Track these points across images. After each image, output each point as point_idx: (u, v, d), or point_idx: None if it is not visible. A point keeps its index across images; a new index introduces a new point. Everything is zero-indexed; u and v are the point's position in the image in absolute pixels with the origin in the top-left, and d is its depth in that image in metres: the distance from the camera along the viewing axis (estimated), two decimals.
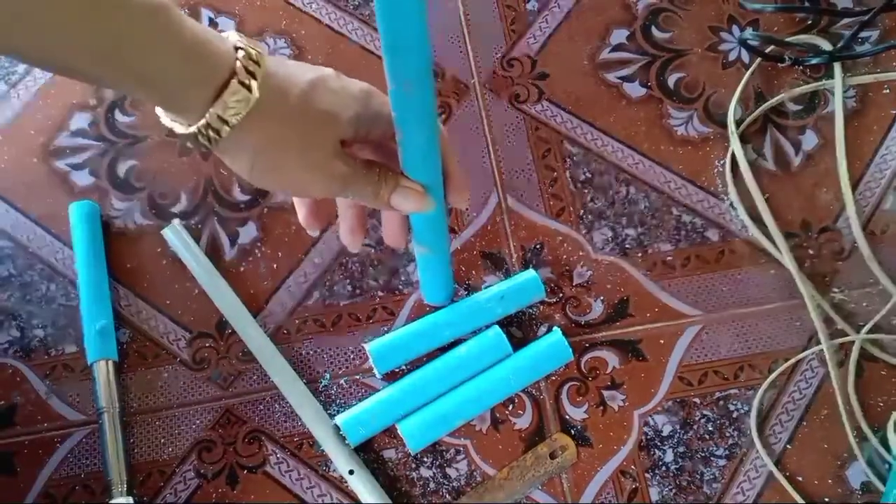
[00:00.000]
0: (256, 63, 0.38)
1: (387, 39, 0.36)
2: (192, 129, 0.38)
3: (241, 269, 0.66)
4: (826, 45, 0.72)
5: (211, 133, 0.38)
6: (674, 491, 0.60)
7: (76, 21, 0.33)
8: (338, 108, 0.42)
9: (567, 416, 0.62)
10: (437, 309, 0.64)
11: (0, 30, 0.33)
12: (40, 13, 0.33)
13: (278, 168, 0.41)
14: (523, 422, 0.62)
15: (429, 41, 0.37)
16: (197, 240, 0.67)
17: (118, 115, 0.71)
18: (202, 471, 0.61)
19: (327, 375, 0.63)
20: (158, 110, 0.40)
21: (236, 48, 0.38)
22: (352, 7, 0.75)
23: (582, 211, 0.68)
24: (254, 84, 0.38)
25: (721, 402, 0.63)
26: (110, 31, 0.34)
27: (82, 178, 0.69)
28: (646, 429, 0.62)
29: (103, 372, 0.62)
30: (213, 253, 0.67)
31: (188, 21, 0.37)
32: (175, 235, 0.66)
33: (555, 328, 0.63)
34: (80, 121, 0.71)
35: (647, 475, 0.61)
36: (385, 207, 0.46)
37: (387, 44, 0.37)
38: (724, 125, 0.70)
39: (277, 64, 0.40)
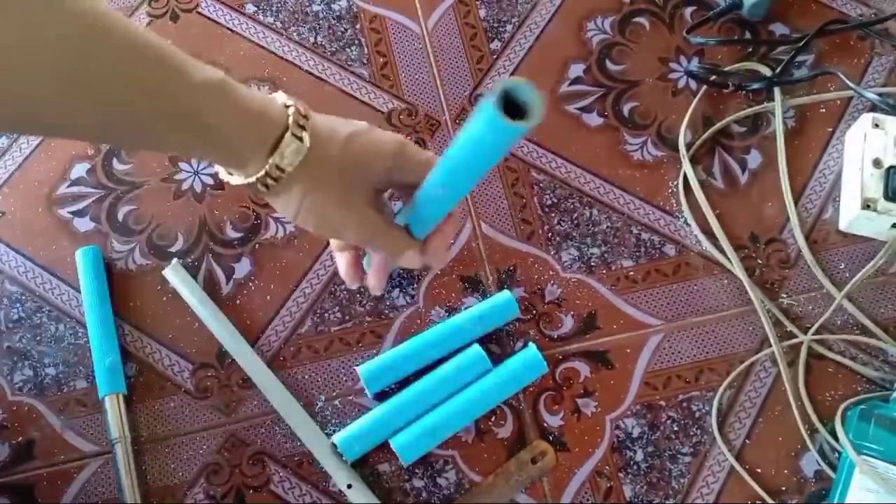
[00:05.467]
0: (305, 117, 0.45)
1: (457, 161, 0.42)
2: (252, 178, 0.45)
3: (238, 301, 0.71)
4: (766, 71, 0.78)
5: (269, 181, 0.44)
6: (645, 488, 0.66)
7: (158, 109, 0.40)
8: (372, 158, 0.47)
9: (545, 424, 0.67)
10: (422, 330, 0.69)
11: (95, 130, 0.40)
12: (130, 108, 0.39)
13: (321, 209, 0.47)
14: (505, 431, 0.67)
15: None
16: (195, 277, 0.71)
17: (115, 164, 0.76)
18: (211, 493, 0.65)
19: (322, 397, 0.68)
20: (217, 167, 0.47)
21: (286, 105, 0.45)
22: (329, 53, 0.80)
23: (550, 233, 0.73)
24: (305, 135, 0.44)
25: (684, 404, 0.68)
26: (182, 109, 0.41)
27: (84, 224, 0.73)
28: (617, 432, 0.67)
29: (114, 405, 0.66)
30: (211, 288, 0.71)
31: (244, 89, 0.44)
32: (175, 274, 0.70)
33: (530, 343, 0.69)
34: (80, 170, 0.75)
35: (620, 475, 0.66)
36: (404, 265, 0.51)
37: (456, 164, 0.42)
38: (675, 148, 0.76)
39: (321, 118, 0.47)
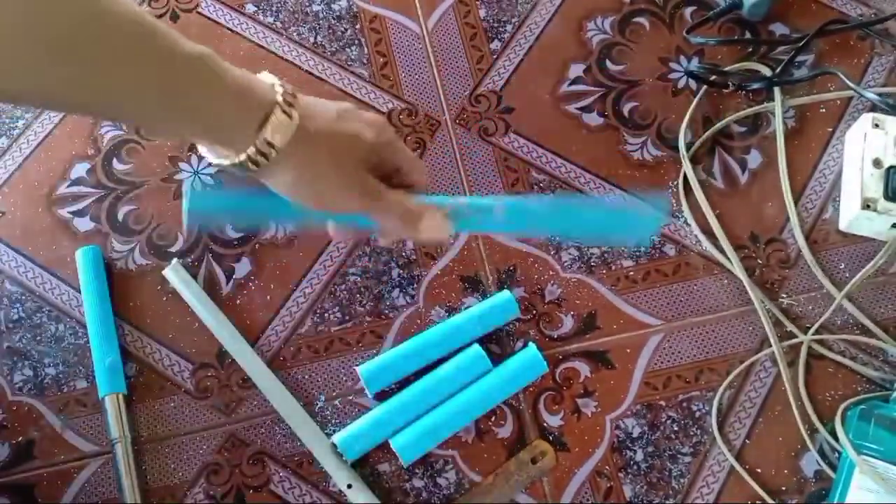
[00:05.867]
0: (293, 96, 0.45)
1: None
2: (242, 156, 0.44)
3: (238, 301, 0.71)
4: (766, 71, 0.78)
5: (260, 158, 0.44)
6: (645, 488, 0.66)
7: (145, 79, 0.40)
8: (359, 130, 0.48)
9: (545, 424, 0.67)
10: (422, 330, 0.69)
11: (83, 98, 0.40)
12: (117, 79, 0.39)
13: (316, 181, 0.47)
14: (505, 431, 0.67)
15: None
16: (195, 277, 0.71)
17: (115, 164, 0.76)
18: (211, 493, 0.65)
19: (322, 397, 0.68)
20: (203, 150, 0.46)
21: (273, 85, 0.45)
22: (329, 53, 0.80)
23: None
24: (294, 113, 0.44)
25: (684, 404, 0.68)
26: (170, 81, 0.41)
27: (84, 224, 0.74)
28: (617, 432, 0.67)
29: (114, 405, 0.66)
30: (211, 288, 0.71)
31: (229, 65, 0.43)
32: (175, 274, 0.70)
33: (530, 343, 0.69)
34: (80, 170, 0.75)
35: (620, 475, 0.66)
36: (410, 234, 0.51)
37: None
38: (675, 149, 0.76)
39: (308, 98, 0.47)
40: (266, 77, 0.46)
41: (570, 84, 0.79)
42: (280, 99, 0.44)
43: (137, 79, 0.40)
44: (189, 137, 0.47)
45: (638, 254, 0.72)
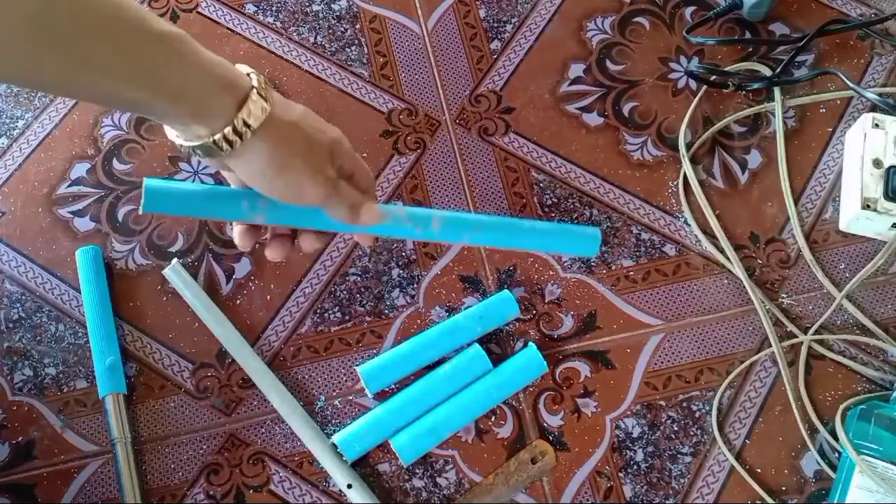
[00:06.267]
0: (266, 87, 0.47)
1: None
2: (218, 135, 0.45)
3: (238, 301, 0.71)
4: (766, 71, 0.78)
5: (235, 137, 0.45)
6: (645, 487, 0.66)
7: (120, 55, 0.41)
8: (325, 128, 0.51)
9: (545, 424, 0.68)
10: (422, 330, 0.69)
11: (59, 76, 0.40)
12: (92, 55, 0.40)
13: (286, 169, 0.48)
14: (505, 431, 0.67)
15: None
16: (195, 276, 0.71)
17: (115, 164, 0.76)
18: (211, 492, 0.65)
19: (322, 397, 0.68)
20: (173, 132, 0.47)
21: (249, 74, 0.47)
22: (329, 53, 0.80)
23: None
24: (270, 96, 0.46)
25: (684, 404, 0.68)
26: (145, 57, 0.42)
27: (84, 224, 0.74)
28: (617, 431, 0.67)
29: (114, 405, 0.66)
30: (211, 288, 0.71)
31: (203, 48, 0.45)
32: (175, 274, 0.70)
33: (530, 343, 0.69)
34: (80, 170, 0.75)
35: (620, 474, 0.66)
36: (352, 221, 0.53)
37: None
38: (675, 148, 0.76)
39: (277, 94, 0.49)
40: (242, 67, 0.47)
41: (570, 84, 0.79)
42: (256, 84, 0.46)
43: (115, 54, 0.41)
44: (171, 115, 0.47)
45: (638, 254, 0.72)
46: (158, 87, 0.43)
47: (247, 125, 0.45)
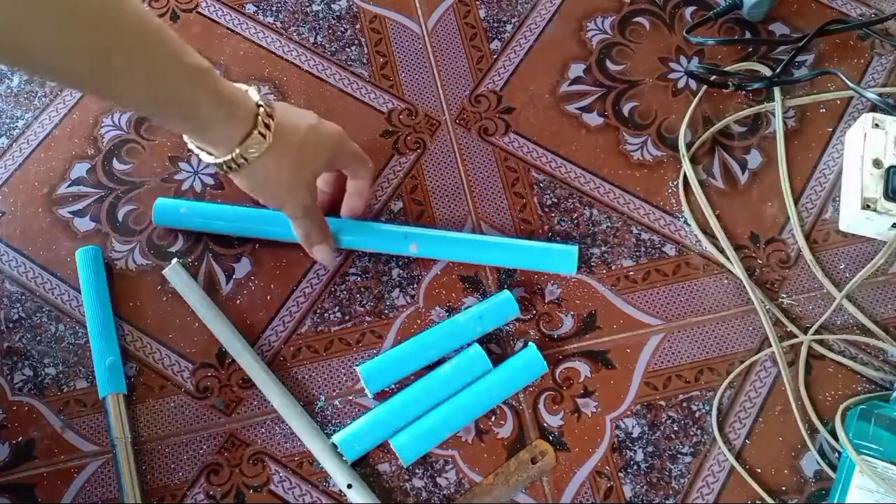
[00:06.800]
0: (271, 117, 0.57)
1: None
2: (220, 160, 0.57)
3: (238, 301, 0.71)
4: (766, 71, 0.78)
5: (234, 165, 0.57)
6: (645, 488, 0.66)
7: (154, 79, 0.50)
8: (321, 149, 0.62)
9: (545, 424, 0.68)
10: (422, 330, 0.70)
11: (96, 85, 0.49)
12: (124, 75, 0.48)
13: (273, 187, 0.60)
14: (505, 431, 0.67)
15: None
16: (195, 277, 0.71)
17: (115, 164, 0.76)
18: (211, 493, 0.65)
19: (322, 397, 0.68)
20: (194, 148, 0.59)
21: (258, 105, 0.57)
22: (329, 53, 0.80)
23: (550, 233, 0.73)
24: (269, 134, 0.57)
25: (684, 404, 0.68)
26: (174, 85, 0.51)
27: (84, 224, 0.74)
28: (617, 431, 0.67)
29: (114, 405, 0.66)
30: (211, 288, 0.71)
31: (225, 81, 0.55)
32: (175, 274, 0.70)
33: (530, 343, 0.69)
34: (80, 170, 0.75)
35: (620, 474, 0.66)
36: (306, 246, 0.68)
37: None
38: (675, 148, 0.76)
39: (284, 114, 0.59)
40: (253, 95, 0.57)
41: (570, 84, 0.79)
42: (260, 121, 0.56)
43: (147, 76, 0.49)
44: (183, 131, 0.58)
45: (638, 254, 0.73)
46: (178, 111, 0.53)
47: (244, 158, 0.56)
